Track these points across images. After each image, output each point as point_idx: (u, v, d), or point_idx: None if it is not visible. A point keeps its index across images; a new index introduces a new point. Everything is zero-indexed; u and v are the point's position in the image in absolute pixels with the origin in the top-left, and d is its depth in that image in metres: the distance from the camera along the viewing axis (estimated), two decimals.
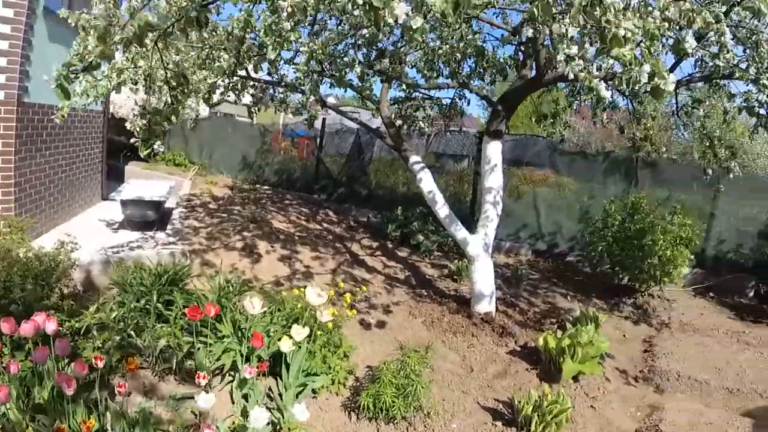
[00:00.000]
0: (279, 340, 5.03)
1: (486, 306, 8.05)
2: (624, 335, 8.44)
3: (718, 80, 6.41)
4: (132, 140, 4.44)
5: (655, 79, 3.04)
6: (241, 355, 5.10)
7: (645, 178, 12.10)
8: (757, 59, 5.73)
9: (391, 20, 2.73)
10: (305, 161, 16.74)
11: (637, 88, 3.12)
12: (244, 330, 5.33)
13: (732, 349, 8.06)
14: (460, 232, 8.14)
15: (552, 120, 8.91)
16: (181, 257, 7.93)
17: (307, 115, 8.18)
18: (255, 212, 11.38)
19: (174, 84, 4.09)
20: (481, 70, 8.35)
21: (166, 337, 5.00)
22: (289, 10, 2.86)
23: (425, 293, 8.95)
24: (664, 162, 12.78)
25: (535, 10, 3.13)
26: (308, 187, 15.56)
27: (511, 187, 12.24)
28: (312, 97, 7.51)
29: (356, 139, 15.28)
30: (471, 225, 9.08)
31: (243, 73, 7.68)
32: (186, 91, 4.28)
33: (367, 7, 2.70)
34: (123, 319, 5.12)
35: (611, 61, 3.05)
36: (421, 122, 9.91)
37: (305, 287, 5.75)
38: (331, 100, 9.18)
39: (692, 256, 9.59)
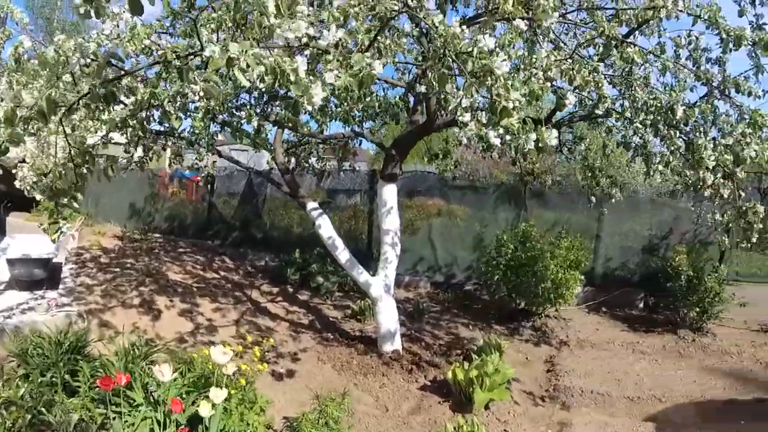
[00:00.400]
0: (193, 402, 5.01)
1: (393, 344, 8.29)
2: (527, 358, 8.88)
3: (597, 119, 6.88)
4: (39, 225, 4.37)
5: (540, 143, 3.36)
6: (158, 423, 5.04)
7: (533, 206, 12.77)
8: (631, 102, 6.29)
9: (309, 107, 2.90)
10: (196, 204, 16.47)
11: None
12: (156, 396, 5.26)
13: (629, 360, 8.68)
14: (362, 275, 8.33)
15: (443, 158, 9.27)
16: (77, 319, 7.71)
17: (205, 172, 8.18)
18: (149, 264, 11.12)
19: (79, 161, 4.07)
20: (373, 113, 8.61)
21: (79, 410, 4.88)
22: (201, 93, 2.96)
23: (331, 336, 9.04)
24: (550, 192, 13.63)
25: (431, 78, 3.41)
26: (201, 232, 15.29)
27: (407, 221, 12.53)
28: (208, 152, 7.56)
29: (248, 181, 15.16)
30: (369, 262, 9.26)
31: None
32: (92, 169, 4.26)
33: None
34: (31, 395, 4.96)
35: (500, 130, 3.32)
36: (314, 163, 10.12)
37: (211, 343, 5.74)
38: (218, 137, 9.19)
39: (582, 277, 10.23)
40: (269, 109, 8.26)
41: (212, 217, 15.42)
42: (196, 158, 7.94)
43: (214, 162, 9.25)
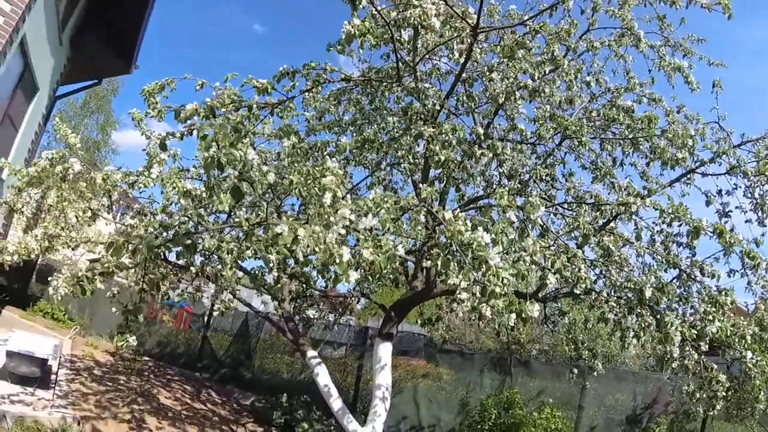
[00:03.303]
0: None
1: None
2: None
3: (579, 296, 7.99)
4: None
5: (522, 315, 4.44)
6: None
7: (518, 374, 13.60)
8: (608, 283, 7.55)
9: (346, 283, 4.11)
10: (188, 335, 17.31)
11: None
12: None
13: None
14: (351, 424, 8.84)
15: (434, 323, 10.27)
16: (72, 422, 8.46)
17: (220, 307, 9.31)
18: (141, 385, 11.94)
19: (147, 289, 5.27)
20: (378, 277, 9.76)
21: None
22: (274, 257, 4.16)
23: None
24: (535, 361, 14.53)
25: (436, 260, 4.62)
26: (191, 363, 16.11)
27: (393, 380, 13.28)
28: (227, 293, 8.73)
29: (245, 321, 16.07)
30: (353, 416, 9.97)
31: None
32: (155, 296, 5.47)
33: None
34: None
35: (489, 310, 4.38)
36: (311, 314, 11.15)
37: None
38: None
39: None
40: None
41: (204, 350, 16.25)
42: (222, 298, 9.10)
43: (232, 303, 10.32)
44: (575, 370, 10.07)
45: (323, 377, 9.13)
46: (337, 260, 3.96)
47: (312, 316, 11.44)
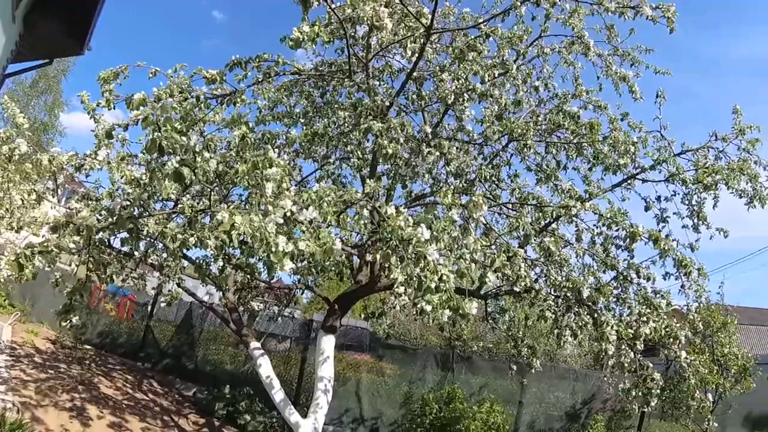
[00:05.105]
0: None
1: None
2: None
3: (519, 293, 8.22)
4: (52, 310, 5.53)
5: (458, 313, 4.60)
6: None
7: (461, 370, 13.87)
8: (548, 282, 7.81)
9: (281, 271, 4.23)
10: (129, 323, 17.20)
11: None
12: None
13: None
14: (293, 416, 8.92)
15: (377, 317, 10.43)
16: (12, 409, 8.42)
17: (167, 298, 9.31)
18: (82, 374, 11.84)
19: (93, 269, 5.30)
20: (321, 269, 9.90)
21: None
22: (213, 243, 4.26)
23: None
24: (478, 358, 14.83)
25: (377, 254, 4.76)
26: (133, 353, 15.96)
27: (335, 374, 13.43)
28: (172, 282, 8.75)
29: (188, 311, 16.06)
30: (296, 408, 10.15)
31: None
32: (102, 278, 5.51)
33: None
34: None
35: (425, 305, 4.53)
36: (255, 306, 11.22)
37: None
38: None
39: None
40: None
41: (147, 340, 16.13)
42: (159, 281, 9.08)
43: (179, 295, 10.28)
44: (514, 367, 10.34)
45: (265, 368, 9.24)
46: (273, 249, 4.11)
47: (257, 308, 11.52)
